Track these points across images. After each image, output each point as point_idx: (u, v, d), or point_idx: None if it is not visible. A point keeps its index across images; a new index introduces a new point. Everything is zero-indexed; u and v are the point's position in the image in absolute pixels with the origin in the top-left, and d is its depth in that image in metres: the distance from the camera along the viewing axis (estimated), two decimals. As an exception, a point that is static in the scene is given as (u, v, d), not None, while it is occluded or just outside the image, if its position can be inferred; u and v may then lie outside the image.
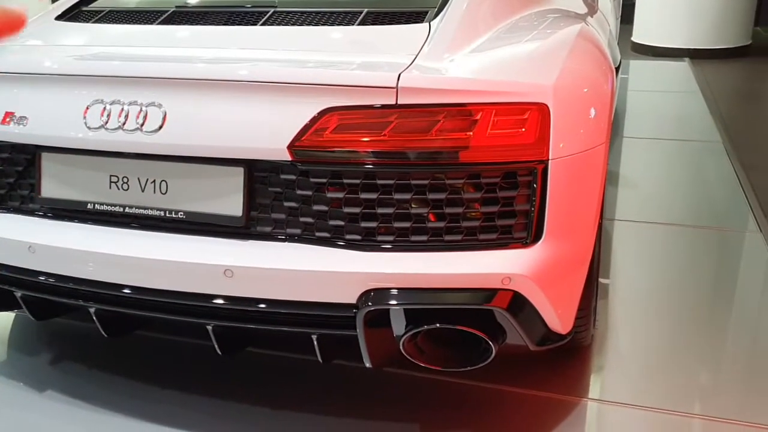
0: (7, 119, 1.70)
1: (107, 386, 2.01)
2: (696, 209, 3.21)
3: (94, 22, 2.04)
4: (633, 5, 7.03)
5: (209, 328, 1.64)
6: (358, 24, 1.78)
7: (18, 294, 1.82)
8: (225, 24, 1.86)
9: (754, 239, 2.88)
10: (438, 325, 1.53)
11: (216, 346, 1.69)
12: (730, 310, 2.38)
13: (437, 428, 1.82)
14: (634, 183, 3.51)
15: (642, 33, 7.09)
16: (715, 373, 2.05)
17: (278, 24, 1.82)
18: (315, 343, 1.62)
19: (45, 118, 1.67)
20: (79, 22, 2.07)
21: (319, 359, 1.67)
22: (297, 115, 1.50)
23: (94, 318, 1.76)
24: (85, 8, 2.18)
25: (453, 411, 1.88)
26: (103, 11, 2.10)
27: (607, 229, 2.96)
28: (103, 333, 1.81)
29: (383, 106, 1.49)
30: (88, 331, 2.24)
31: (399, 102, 1.48)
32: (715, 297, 2.47)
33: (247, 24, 1.84)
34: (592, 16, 2.53)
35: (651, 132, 4.37)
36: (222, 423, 1.84)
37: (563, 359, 2.06)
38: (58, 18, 2.13)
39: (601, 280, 2.26)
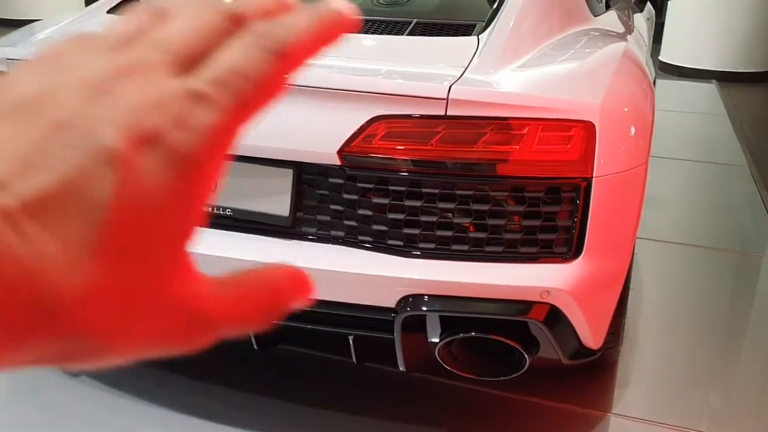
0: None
1: (138, 375, 2.05)
2: (719, 232, 3.22)
3: (146, 18, 2.08)
4: (662, 24, 7.03)
5: (248, 324, 1.67)
6: (408, 34, 1.82)
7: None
8: (276, 27, 1.90)
9: (780, 265, 2.89)
10: (474, 333, 1.55)
11: (254, 341, 1.72)
12: (751, 333, 2.40)
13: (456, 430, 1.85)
14: (658, 203, 3.52)
15: (670, 53, 7.08)
16: (735, 394, 2.06)
17: (329, 30, 1.85)
18: (351, 344, 1.66)
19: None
20: (132, 17, 2.11)
21: (354, 360, 1.70)
22: (347, 121, 1.54)
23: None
24: (136, 2, 2.22)
25: (477, 419, 1.91)
26: (154, 8, 2.14)
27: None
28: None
29: (432, 116, 1.52)
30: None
31: (448, 113, 1.51)
32: (736, 319, 2.49)
33: (298, 28, 1.87)
34: (630, 35, 2.55)
35: (676, 153, 4.38)
36: (251, 417, 1.88)
37: (586, 373, 2.09)
38: (110, 11, 2.17)
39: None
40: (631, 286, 2.61)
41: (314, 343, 2.05)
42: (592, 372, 2.09)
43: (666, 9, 6.94)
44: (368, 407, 1.92)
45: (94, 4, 2.23)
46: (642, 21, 3.58)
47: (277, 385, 2.01)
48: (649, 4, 4.24)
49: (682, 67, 6.90)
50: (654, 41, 5.11)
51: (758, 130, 5.11)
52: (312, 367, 2.09)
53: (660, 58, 7.14)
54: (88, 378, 2.03)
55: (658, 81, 6.60)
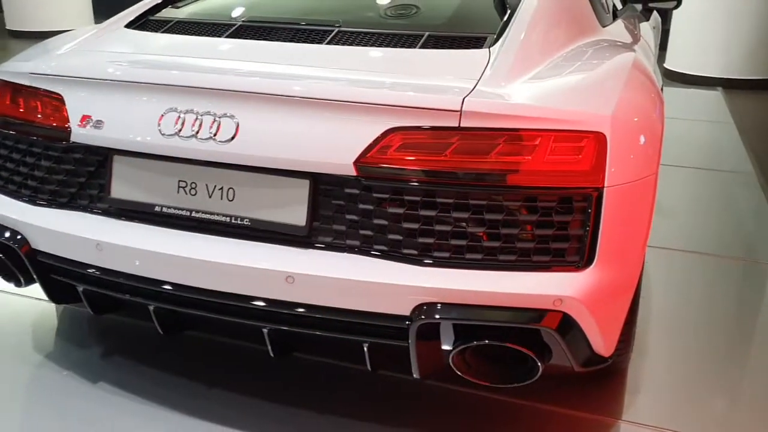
0: (84, 122, 1.79)
1: (157, 381, 2.08)
2: (726, 239, 3.24)
3: (163, 32, 2.12)
4: (668, 31, 7.06)
5: (265, 331, 1.71)
6: (420, 47, 1.85)
7: (80, 288, 1.90)
8: (291, 41, 1.94)
9: (787, 272, 2.91)
10: (487, 341, 1.58)
11: (270, 348, 1.75)
12: (759, 340, 2.42)
13: (476, 441, 1.88)
14: (664, 210, 3.54)
15: (675, 60, 7.12)
16: (744, 401, 2.08)
17: (343, 43, 1.90)
18: (366, 351, 1.69)
19: (120, 123, 1.75)
20: (149, 31, 2.16)
21: (368, 368, 1.73)
22: (363, 133, 1.57)
23: (153, 315, 1.84)
24: (152, 18, 2.27)
25: (488, 425, 1.93)
26: (171, 21, 2.19)
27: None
28: (159, 330, 1.88)
29: (446, 128, 1.55)
30: (137, 329, 2.33)
31: (462, 125, 1.55)
32: (743, 326, 2.51)
33: (313, 42, 1.92)
34: (637, 44, 2.59)
35: (682, 160, 4.40)
36: (264, 423, 1.91)
37: (597, 380, 2.11)
38: (128, 26, 2.22)
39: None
40: (641, 293, 2.64)
41: (326, 352, 2.08)
42: (603, 379, 2.11)
43: (671, 16, 6.98)
44: (379, 414, 1.95)
45: (112, 19, 2.27)
46: (648, 30, 3.62)
47: (289, 393, 2.03)
48: (655, 12, 4.27)
49: (687, 74, 6.93)
50: (659, 49, 5.14)
51: (764, 137, 5.13)
52: (323, 373, 2.12)
53: (665, 65, 7.17)
54: (108, 385, 2.06)
55: (664, 89, 6.63)
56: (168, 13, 2.31)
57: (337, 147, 1.58)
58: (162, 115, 1.69)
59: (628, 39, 2.54)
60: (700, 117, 5.69)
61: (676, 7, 3.81)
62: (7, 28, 9.63)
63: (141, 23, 2.23)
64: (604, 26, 2.41)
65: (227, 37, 2.01)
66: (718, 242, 3.20)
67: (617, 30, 2.56)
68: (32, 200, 1.91)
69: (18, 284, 2.07)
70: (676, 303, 2.66)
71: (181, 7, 2.37)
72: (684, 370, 2.23)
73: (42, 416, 1.96)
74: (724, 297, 2.71)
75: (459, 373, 1.65)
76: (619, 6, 3.38)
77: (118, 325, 2.37)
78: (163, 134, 1.68)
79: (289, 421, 1.92)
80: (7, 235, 1.92)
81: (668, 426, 1.94)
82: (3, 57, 8.40)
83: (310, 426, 1.91)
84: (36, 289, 2.45)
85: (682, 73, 6.99)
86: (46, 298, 2.02)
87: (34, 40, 8.80)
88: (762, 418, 2.00)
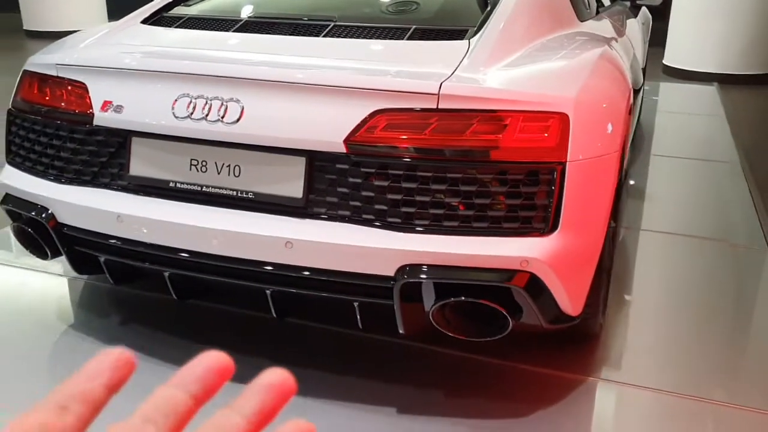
0: (106, 107, 2.00)
1: (172, 345, 2.29)
2: (709, 223, 3.42)
3: (176, 27, 2.34)
4: (666, 29, 7.22)
5: (268, 292, 1.92)
6: (407, 39, 2.06)
7: (102, 259, 2.12)
8: (291, 34, 2.15)
9: (762, 253, 3.09)
10: (463, 298, 1.78)
11: (272, 309, 1.96)
12: (732, 309, 2.60)
13: (455, 396, 2.07)
14: (655, 197, 3.73)
15: (673, 56, 7.27)
16: (716, 360, 2.27)
17: (337, 36, 2.10)
18: (356, 310, 1.89)
19: (138, 108, 1.96)
20: (163, 26, 2.38)
21: (360, 326, 1.94)
22: (352, 114, 1.78)
23: (168, 282, 2.05)
24: (166, 14, 2.49)
25: (471, 382, 2.13)
26: (183, 18, 2.41)
27: (630, 238, 3.19)
28: (173, 296, 2.09)
29: (426, 110, 1.75)
30: (151, 301, 2.54)
31: (440, 107, 1.75)
32: (721, 298, 2.69)
33: (310, 35, 2.12)
34: (617, 40, 2.78)
35: (676, 151, 4.58)
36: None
37: (574, 343, 2.30)
38: (144, 22, 2.43)
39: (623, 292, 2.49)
40: (633, 269, 2.83)
41: (322, 317, 2.28)
42: (580, 342, 2.30)
43: (669, 14, 7.14)
44: (367, 372, 2.14)
45: (128, 16, 2.48)
46: (636, 25, 3.80)
47: (285, 353, 2.24)
48: (645, 9, 4.45)
49: (685, 70, 7.09)
50: (657, 45, 5.32)
51: (753, 130, 5.29)
52: (316, 337, 2.32)
53: (663, 61, 7.33)
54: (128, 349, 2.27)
55: (662, 84, 6.80)
56: (180, 10, 2.52)
57: (330, 127, 1.79)
58: (175, 100, 1.90)
59: (606, 33, 2.72)
60: (695, 111, 5.86)
61: (661, 2, 3.99)
62: (24, 28, 9.89)
63: (155, 19, 2.45)
64: (582, 21, 2.60)
65: (234, 31, 2.22)
66: (701, 226, 3.39)
67: (596, 25, 2.75)
68: (58, 179, 2.13)
69: (44, 257, 2.29)
70: (659, 279, 2.85)
71: (192, 5, 2.59)
72: (660, 335, 2.42)
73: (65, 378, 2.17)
74: (703, 274, 2.90)
75: (439, 327, 1.85)
76: (607, 2, 3.57)
77: (133, 297, 2.58)
78: (176, 117, 1.89)
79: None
80: (36, 211, 2.14)
81: (642, 384, 2.13)
82: (20, 56, 8.67)
83: (298, 379, 2.11)
84: (56, 266, 2.68)
85: (681, 69, 7.15)
86: (66, 274, 2.23)
87: (50, 40, 9.00)
88: (728, 375, 2.19)
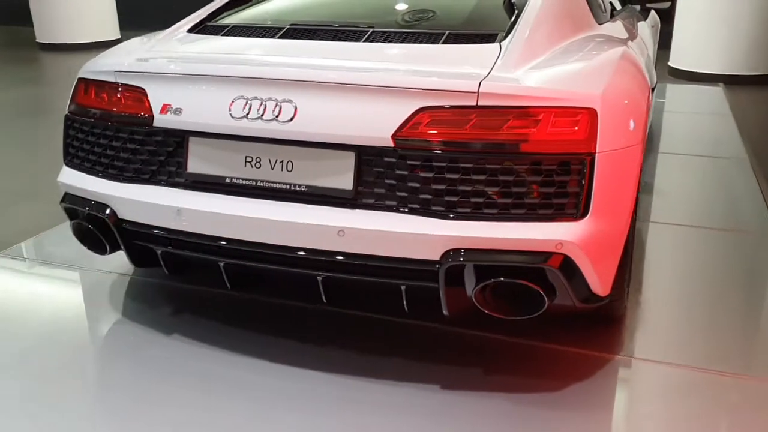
0: (166, 110, 2.16)
1: (221, 332, 2.44)
2: (721, 215, 3.58)
3: (223, 35, 2.50)
4: (671, 31, 7.39)
5: (319, 278, 2.07)
6: (442, 43, 2.22)
7: (159, 251, 2.28)
8: (333, 40, 2.31)
9: (773, 242, 3.25)
10: (503, 279, 1.93)
11: (323, 295, 2.12)
12: (745, 291, 2.76)
13: (493, 374, 2.22)
14: (667, 191, 3.88)
15: (679, 58, 7.44)
16: (730, 338, 2.41)
17: (377, 41, 2.26)
18: (403, 293, 2.05)
19: (196, 110, 2.12)
20: (209, 34, 2.54)
21: (405, 308, 2.09)
22: (399, 112, 1.94)
23: (222, 271, 2.21)
24: (210, 23, 2.66)
25: (503, 362, 2.28)
26: (228, 26, 2.57)
27: (643, 229, 3.34)
28: (227, 285, 2.25)
29: (466, 107, 1.91)
30: (200, 293, 2.70)
31: (479, 104, 1.90)
32: (733, 282, 2.84)
33: (351, 40, 2.29)
34: (632, 41, 2.93)
35: (684, 149, 4.74)
36: (305, 360, 2.26)
37: (599, 324, 2.45)
38: (190, 31, 2.60)
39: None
40: (647, 258, 2.98)
41: (371, 308, 2.43)
42: (605, 323, 2.45)
43: (674, 17, 7.30)
44: (406, 356, 2.29)
45: (174, 26, 2.65)
46: (646, 28, 3.96)
47: (325, 339, 2.39)
48: (653, 12, 4.62)
49: (691, 71, 7.25)
50: (663, 48, 5.48)
51: (760, 127, 5.45)
52: (355, 324, 2.47)
53: (669, 63, 7.49)
54: (180, 336, 2.43)
55: (669, 85, 6.96)
56: (223, 20, 2.69)
57: (378, 124, 1.94)
58: (232, 102, 2.06)
59: (622, 35, 2.89)
60: (702, 110, 6.02)
61: (670, 6, 4.15)
62: (37, 41, 10.09)
63: (201, 28, 2.61)
64: (600, 24, 2.76)
65: (279, 38, 2.38)
66: (712, 217, 3.54)
67: (613, 27, 2.91)
68: (118, 177, 2.28)
69: (102, 252, 2.45)
70: (672, 266, 3.00)
71: (232, 14, 2.75)
72: (677, 317, 2.57)
73: (124, 364, 2.32)
74: (714, 260, 3.05)
75: (480, 307, 2.00)
76: (618, 6, 3.73)
77: (183, 291, 2.74)
78: (233, 117, 2.05)
79: (327, 358, 2.28)
80: (97, 208, 2.29)
81: (663, 359, 2.28)
82: (35, 68, 8.87)
83: (347, 365, 2.26)
84: (107, 263, 2.84)
85: (687, 71, 7.31)
86: (114, 270, 2.37)
87: (63, 53, 9.22)
88: (742, 349, 2.34)
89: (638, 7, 4.20)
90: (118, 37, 10.20)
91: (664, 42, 6.88)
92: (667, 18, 5.44)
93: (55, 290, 2.87)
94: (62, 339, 2.47)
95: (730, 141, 4.96)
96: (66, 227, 3.38)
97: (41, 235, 3.35)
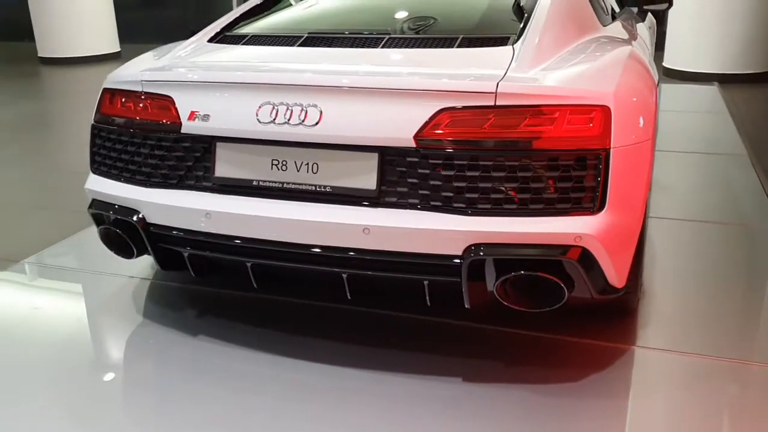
0: (193, 116, 2.24)
1: (244, 332, 2.51)
2: (723, 209, 3.67)
3: (243, 44, 2.59)
4: (665, 33, 7.51)
5: (344, 276, 2.15)
6: (457, 47, 2.30)
7: (186, 253, 2.35)
8: (351, 47, 2.40)
9: (775, 235, 3.35)
10: (523, 272, 2.01)
11: (348, 291, 2.19)
12: (747, 281, 2.85)
13: (514, 366, 2.30)
14: (670, 188, 3.97)
15: (673, 58, 7.55)
16: (736, 327, 2.50)
17: (394, 47, 2.35)
18: (425, 288, 2.12)
19: (224, 116, 2.20)
20: (230, 44, 2.62)
21: (428, 303, 2.17)
22: (420, 113, 2.02)
23: (249, 271, 2.28)
24: (228, 33, 2.74)
25: (519, 354, 2.36)
26: (247, 35, 2.65)
27: (646, 224, 3.43)
28: (254, 284, 2.32)
29: (484, 107, 2.00)
30: (222, 296, 2.77)
31: (497, 104, 1.99)
32: (736, 273, 2.93)
33: (370, 47, 2.37)
34: (635, 41, 3.02)
35: (682, 147, 4.83)
36: (330, 356, 2.34)
37: (613, 316, 2.53)
38: (210, 41, 2.68)
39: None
40: (651, 251, 3.07)
41: (395, 306, 2.51)
42: (618, 315, 2.53)
43: (667, 18, 7.42)
44: (435, 351, 2.37)
45: (195, 36, 2.73)
46: (644, 29, 4.05)
47: (346, 335, 2.46)
48: (650, 14, 4.71)
49: (685, 71, 7.37)
50: (657, 48, 5.57)
51: (757, 124, 5.56)
52: (374, 321, 2.55)
53: (664, 64, 7.61)
54: (207, 337, 2.50)
55: (664, 85, 7.07)
56: (241, 29, 2.77)
57: (400, 125, 2.03)
58: (259, 107, 2.14)
59: (625, 36, 2.98)
60: (698, 109, 6.12)
61: (668, 8, 4.25)
62: (39, 55, 10.15)
63: (221, 38, 2.70)
64: (604, 26, 2.86)
65: (299, 46, 2.46)
66: (714, 211, 3.63)
67: (616, 29, 3.00)
68: (146, 183, 2.36)
69: (129, 256, 2.52)
70: (679, 260, 3.08)
71: (249, 24, 2.84)
72: (686, 308, 2.65)
73: (149, 364, 2.39)
74: (719, 253, 3.14)
75: (501, 301, 2.08)
76: (617, 9, 3.83)
77: (204, 293, 2.81)
78: (260, 122, 2.13)
79: (348, 354, 2.35)
80: (126, 213, 2.37)
81: (674, 348, 2.37)
82: (37, 82, 8.94)
83: (368, 360, 2.33)
84: (129, 269, 2.91)
85: (681, 71, 7.42)
86: (137, 275, 2.44)
87: (64, 66, 9.28)
88: (748, 337, 2.42)
89: (636, 9, 4.30)
90: (118, 50, 10.27)
91: (658, 43, 6.99)
92: (657, 19, 5.54)
93: (76, 296, 2.93)
94: (87, 342, 2.54)
95: (727, 138, 5.06)
96: (81, 236, 3.46)
97: (57, 245, 3.42)
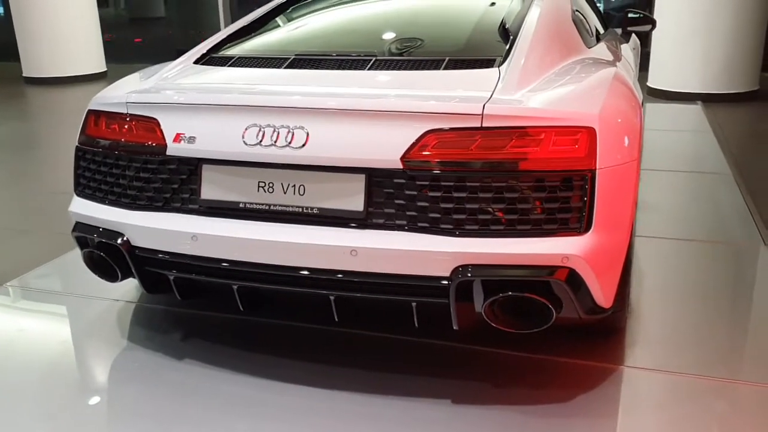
0: (179, 139, 2.23)
1: (230, 354, 2.49)
2: (708, 227, 3.69)
3: (230, 66, 2.59)
4: (649, 53, 7.60)
5: (332, 298, 2.14)
6: (443, 69, 2.32)
7: (171, 276, 2.33)
8: (338, 68, 2.40)
9: (759, 251, 3.35)
10: (511, 293, 2.01)
11: (335, 314, 2.18)
12: (733, 299, 2.86)
13: (502, 387, 2.29)
14: (655, 206, 4.00)
15: (657, 78, 7.64)
16: (723, 345, 2.50)
17: (381, 69, 2.36)
18: (414, 309, 2.12)
19: (210, 138, 2.19)
20: (216, 65, 2.62)
21: (416, 324, 2.16)
22: (407, 135, 2.02)
23: (236, 294, 2.26)
24: (214, 55, 2.74)
25: (509, 375, 2.35)
26: (233, 57, 2.65)
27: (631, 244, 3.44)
28: (240, 307, 2.30)
29: (471, 129, 2.00)
30: (208, 318, 2.75)
31: (483, 125, 2.00)
32: (722, 290, 2.95)
33: (356, 69, 2.38)
34: (620, 63, 3.06)
35: (667, 165, 4.87)
36: (317, 379, 2.32)
37: (601, 336, 2.53)
38: (196, 62, 2.68)
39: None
40: (637, 270, 3.08)
41: (369, 325, 2.50)
42: (606, 335, 2.53)
43: (651, 39, 7.51)
44: (423, 372, 2.36)
45: (180, 58, 2.73)
46: (629, 50, 4.10)
47: (334, 356, 2.44)
48: (634, 35, 4.77)
49: (669, 91, 7.45)
50: (641, 68, 5.64)
51: (740, 143, 5.62)
52: (364, 343, 2.53)
53: (648, 83, 7.69)
54: (192, 360, 2.47)
55: (648, 105, 7.14)
56: (227, 51, 2.77)
57: (387, 147, 2.03)
58: (246, 129, 2.13)
59: (610, 57, 3.01)
60: (682, 128, 6.18)
61: (652, 29, 4.30)
62: (24, 75, 10.11)
63: (207, 60, 2.70)
64: (589, 47, 2.89)
65: (285, 68, 2.47)
66: (699, 230, 3.66)
67: (601, 50, 3.03)
68: (132, 206, 2.34)
69: (114, 280, 2.50)
70: (665, 278, 3.10)
71: (235, 46, 2.84)
72: (674, 326, 2.66)
73: (136, 388, 2.35)
74: (705, 272, 3.15)
75: (490, 322, 2.08)
76: (602, 30, 3.87)
77: (190, 316, 2.78)
78: (247, 144, 2.12)
79: (336, 376, 2.33)
80: (111, 236, 2.34)
81: (663, 368, 2.36)
82: (22, 103, 8.90)
83: (356, 382, 2.31)
84: (113, 292, 2.88)
85: (664, 90, 7.50)
86: (120, 299, 2.41)
87: (50, 86, 9.24)
88: (735, 356, 2.43)
89: (620, 31, 4.35)
90: (104, 69, 10.25)
91: (642, 63, 7.07)
92: (644, 40, 5.61)
93: (61, 320, 2.90)
94: (71, 366, 2.50)
95: (711, 157, 5.11)
96: (64, 259, 3.42)
97: (41, 268, 3.38)
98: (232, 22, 3.02)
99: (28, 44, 9.87)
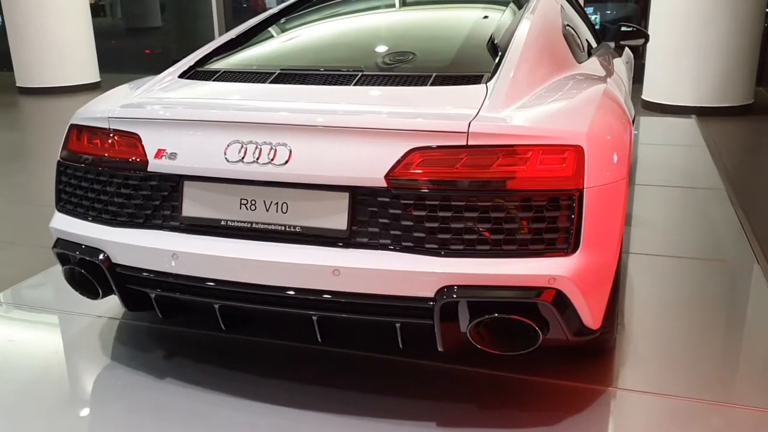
0: (160, 155, 2.19)
1: (213, 373, 2.44)
2: (701, 244, 3.65)
3: (214, 80, 2.55)
4: (643, 66, 7.59)
5: (314, 318, 2.09)
6: (430, 85, 2.28)
7: (153, 295, 2.28)
8: (324, 84, 2.37)
9: (752, 269, 3.32)
10: (497, 314, 1.97)
11: (318, 334, 2.13)
12: (727, 319, 2.81)
13: (488, 409, 2.24)
14: (646, 222, 3.96)
15: (651, 92, 7.63)
16: (714, 366, 2.46)
17: (367, 84, 2.32)
18: (398, 330, 2.07)
19: (192, 154, 2.15)
20: (201, 80, 2.59)
21: (400, 345, 2.11)
22: (391, 153, 1.98)
23: (217, 313, 2.22)
24: (200, 69, 2.70)
25: (498, 397, 2.30)
26: (218, 71, 2.62)
27: (623, 260, 3.40)
28: (222, 326, 2.26)
29: (456, 147, 1.96)
30: (191, 336, 2.70)
31: (469, 143, 1.96)
32: (716, 310, 2.90)
33: (342, 84, 2.34)
34: (611, 78, 3.03)
35: (661, 180, 4.84)
36: (299, 398, 2.27)
37: (590, 357, 2.48)
38: (181, 76, 2.64)
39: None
40: (628, 289, 3.04)
41: (368, 346, 2.45)
42: (595, 356, 2.48)
43: (645, 53, 7.51)
44: (400, 391, 2.31)
45: (165, 72, 2.69)
46: (621, 64, 4.08)
47: (318, 376, 2.40)
48: (627, 48, 4.75)
49: (664, 104, 7.44)
50: (636, 82, 5.62)
51: (734, 158, 5.59)
52: (351, 363, 2.48)
53: (642, 97, 7.68)
54: (174, 379, 2.42)
55: (642, 118, 7.13)
56: (212, 65, 2.74)
57: (371, 165, 1.99)
58: (228, 146, 2.09)
59: (601, 73, 2.98)
60: (676, 142, 6.16)
61: (645, 43, 4.28)
62: (17, 85, 10.07)
63: (192, 74, 2.66)
64: (579, 63, 2.86)
65: (270, 83, 2.43)
66: (692, 247, 3.62)
67: (591, 66, 3.00)
68: (112, 222, 2.30)
69: (95, 297, 2.45)
70: (657, 296, 3.05)
71: (221, 60, 2.81)
72: (664, 346, 2.61)
73: (116, 406, 2.30)
74: (697, 290, 3.11)
75: (475, 344, 2.03)
76: (594, 44, 3.85)
77: (173, 334, 2.73)
78: (229, 161, 2.08)
79: (320, 397, 2.29)
80: (91, 253, 2.30)
81: (652, 390, 2.32)
82: (14, 113, 8.85)
83: (341, 403, 2.26)
84: (96, 308, 2.83)
85: (659, 104, 7.49)
86: (104, 315, 2.37)
87: (43, 96, 9.21)
88: (727, 378, 2.38)
89: (613, 44, 4.33)
90: (98, 80, 10.22)
91: (636, 76, 7.06)
92: (638, 53, 5.59)
93: (43, 335, 2.84)
94: (52, 383, 2.45)
95: (705, 171, 5.08)
96: (50, 273, 3.37)
97: (26, 282, 3.33)
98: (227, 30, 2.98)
99: (22, 54, 9.84)
